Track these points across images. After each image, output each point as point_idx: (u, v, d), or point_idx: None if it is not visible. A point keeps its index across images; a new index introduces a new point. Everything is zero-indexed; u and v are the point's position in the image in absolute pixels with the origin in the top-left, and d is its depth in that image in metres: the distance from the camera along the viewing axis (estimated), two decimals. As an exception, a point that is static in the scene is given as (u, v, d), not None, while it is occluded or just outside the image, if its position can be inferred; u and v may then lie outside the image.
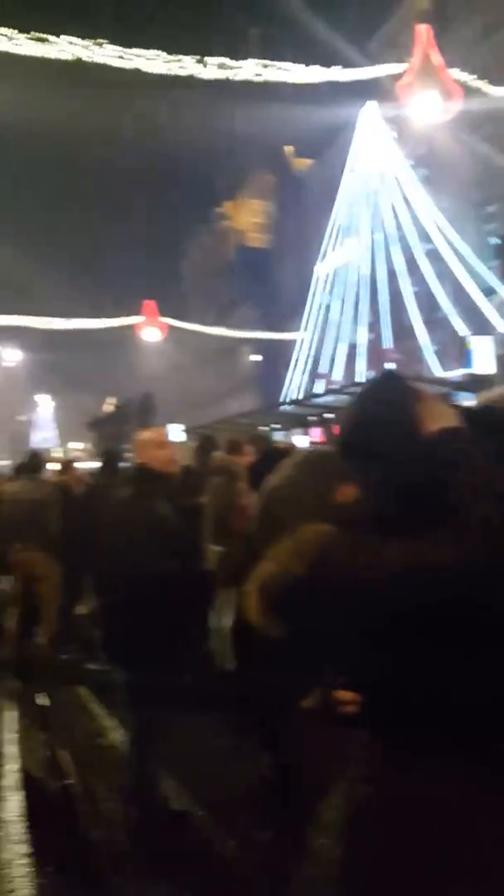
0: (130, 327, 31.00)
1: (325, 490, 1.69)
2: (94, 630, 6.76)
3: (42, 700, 5.36)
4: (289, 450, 4.73)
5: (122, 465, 7.16)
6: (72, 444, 78.81)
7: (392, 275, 24.95)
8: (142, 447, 3.44)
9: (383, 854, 1.27)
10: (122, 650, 3.21)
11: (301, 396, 24.00)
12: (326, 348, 28.45)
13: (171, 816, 3.33)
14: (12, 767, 4.39)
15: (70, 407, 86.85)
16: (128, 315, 30.14)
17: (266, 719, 3.48)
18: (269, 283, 46.67)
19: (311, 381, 28.80)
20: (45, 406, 79.42)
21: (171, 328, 33.29)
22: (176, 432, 33.70)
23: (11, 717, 5.28)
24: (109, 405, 28.02)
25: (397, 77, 16.40)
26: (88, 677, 5.97)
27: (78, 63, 12.60)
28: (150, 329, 29.70)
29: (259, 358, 46.12)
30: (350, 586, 1.29)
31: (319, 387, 26.10)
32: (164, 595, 2.97)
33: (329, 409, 14.94)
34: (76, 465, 8.04)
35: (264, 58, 13.15)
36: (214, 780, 3.79)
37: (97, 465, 7.14)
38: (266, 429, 16.94)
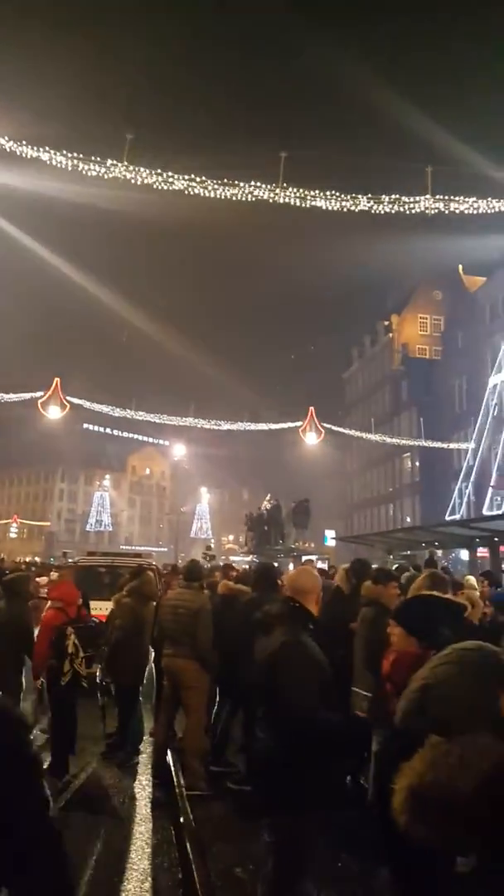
0: (292, 429, 32.12)
1: (490, 699, 1.60)
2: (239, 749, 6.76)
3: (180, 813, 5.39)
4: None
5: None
6: (225, 537, 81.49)
7: None
8: (294, 584, 3.48)
9: None
10: (268, 792, 3.16)
11: (466, 509, 22.91)
12: (497, 459, 27.24)
13: None
14: (140, 885, 4.41)
15: (226, 500, 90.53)
16: (291, 420, 31.37)
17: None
18: (434, 393, 46.49)
19: (479, 494, 27.52)
20: (205, 498, 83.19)
21: (333, 432, 34.10)
22: (329, 538, 33.83)
23: (146, 828, 5.34)
24: (268, 502, 28.75)
25: None
26: (229, 795, 5.97)
27: (261, 203, 14.21)
28: (310, 433, 30.63)
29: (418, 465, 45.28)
30: None
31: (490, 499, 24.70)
32: (321, 746, 2.97)
33: (499, 532, 14.01)
34: (233, 572, 8.33)
35: (436, 193, 13.83)
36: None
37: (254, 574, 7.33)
38: (424, 544, 16.28)
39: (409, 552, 17.88)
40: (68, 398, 28.02)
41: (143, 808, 5.72)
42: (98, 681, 7.42)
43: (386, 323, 58.79)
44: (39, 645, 6.31)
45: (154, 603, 7.47)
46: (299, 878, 3.13)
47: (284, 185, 13.74)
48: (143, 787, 6.21)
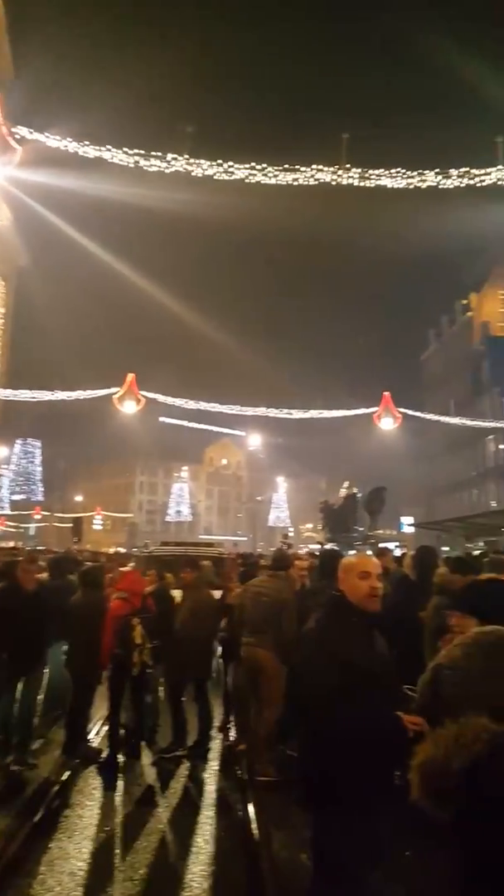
0: (367, 416, 31.65)
1: (494, 683, 1.62)
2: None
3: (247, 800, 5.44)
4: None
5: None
6: (304, 525, 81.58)
7: None
8: (344, 573, 3.07)
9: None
10: (313, 791, 3.01)
11: None
12: None
13: None
14: (207, 868, 4.44)
15: (303, 488, 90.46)
16: (366, 406, 30.88)
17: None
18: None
19: None
20: (281, 487, 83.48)
21: (410, 417, 33.37)
22: (405, 525, 33.01)
23: (212, 813, 5.41)
24: (345, 490, 28.52)
25: None
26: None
27: (324, 186, 13.96)
28: (385, 419, 30.10)
29: None
30: None
31: None
32: (359, 744, 2.65)
33: None
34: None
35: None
36: None
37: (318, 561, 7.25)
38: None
39: (494, 538, 17.18)
40: (143, 393, 28.70)
41: (210, 794, 5.80)
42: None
43: (464, 301, 56.77)
44: (105, 635, 6.36)
45: (215, 593, 7.47)
46: (342, 874, 2.86)
47: (347, 165, 13.47)
48: (211, 774, 6.29)
